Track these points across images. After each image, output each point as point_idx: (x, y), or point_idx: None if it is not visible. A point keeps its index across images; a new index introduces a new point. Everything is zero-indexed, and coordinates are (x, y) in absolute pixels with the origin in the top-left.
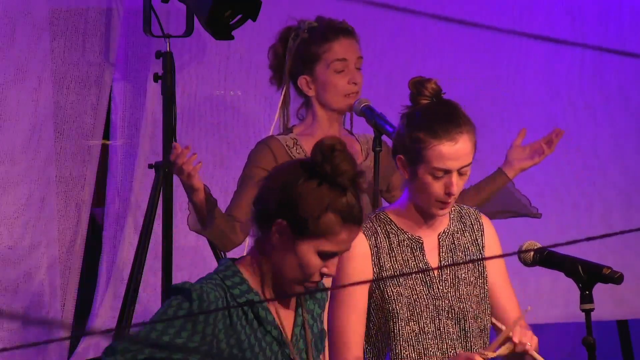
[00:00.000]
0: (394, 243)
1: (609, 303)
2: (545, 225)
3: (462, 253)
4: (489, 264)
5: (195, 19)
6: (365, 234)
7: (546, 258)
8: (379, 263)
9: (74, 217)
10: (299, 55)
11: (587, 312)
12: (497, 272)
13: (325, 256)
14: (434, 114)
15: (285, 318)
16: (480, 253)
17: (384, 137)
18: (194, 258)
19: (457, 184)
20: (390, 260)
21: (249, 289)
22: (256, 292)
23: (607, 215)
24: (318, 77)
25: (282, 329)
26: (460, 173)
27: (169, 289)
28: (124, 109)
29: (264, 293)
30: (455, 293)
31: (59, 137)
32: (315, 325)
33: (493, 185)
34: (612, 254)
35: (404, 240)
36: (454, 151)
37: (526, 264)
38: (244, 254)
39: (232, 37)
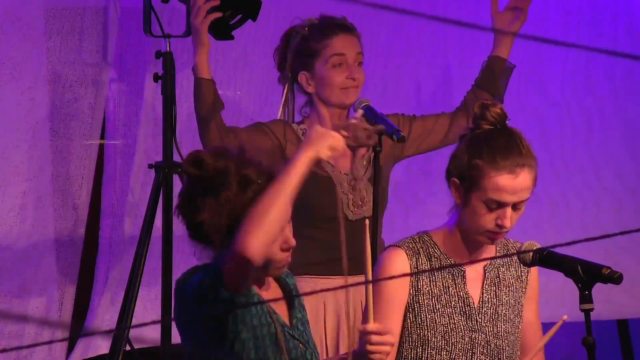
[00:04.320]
0: (435, 267)
1: (603, 303)
2: (541, 226)
3: (506, 288)
4: (526, 300)
5: None
6: (407, 254)
7: (546, 258)
8: (417, 285)
9: (71, 217)
10: (298, 51)
11: (587, 312)
12: (532, 309)
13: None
14: (496, 142)
15: (280, 312)
16: (524, 290)
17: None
18: (194, 259)
19: (511, 218)
20: (430, 285)
21: None
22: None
23: (601, 217)
24: (317, 72)
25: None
26: (515, 208)
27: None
28: (120, 108)
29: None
30: (493, 328)
31: (55, 136)
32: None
33: (493, 72)
34: (606, 255)
35: None
36: (513, 185)
37: (525, 264)
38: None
39: (232, 37)
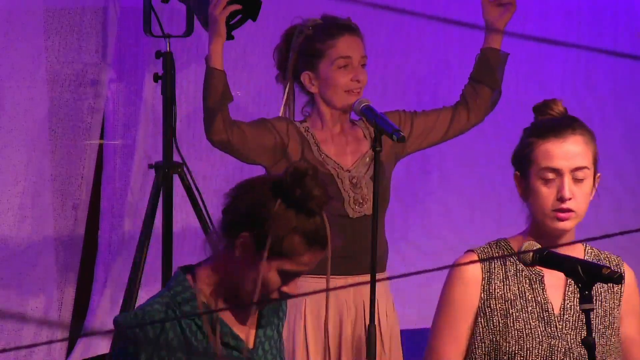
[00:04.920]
0: (510, 272)
1: None
2: None
3: (595, 299)
4: (623, 315)
5: (195, 19)
6: (479, 257)
7: (546, 258)
8: (489, 289)
9: (71, 217)
10: (302, 51)
11: (587, 312)
12: (633, 325)
13: (285, 275)
14: (548, 121)
15: (243, 333)
16: (619, 302)
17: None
18: (194, 258)
19: (571, 190)
20: (503, 289)
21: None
22: (207, 305)
23: (601, 217)
24: (321, 73)
25: (241, 339)
26: (575, 178)
27: (114, 322)
28: (120, 108)
29: (217, 305)
30: (576, 337)
31: (54, 136)
32: (278, 340)
33: (489, 63)
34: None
35: (522, 271)
36: (562, 149)
37: (526, 264)
38: (199, 262)
39: (232, 37)
